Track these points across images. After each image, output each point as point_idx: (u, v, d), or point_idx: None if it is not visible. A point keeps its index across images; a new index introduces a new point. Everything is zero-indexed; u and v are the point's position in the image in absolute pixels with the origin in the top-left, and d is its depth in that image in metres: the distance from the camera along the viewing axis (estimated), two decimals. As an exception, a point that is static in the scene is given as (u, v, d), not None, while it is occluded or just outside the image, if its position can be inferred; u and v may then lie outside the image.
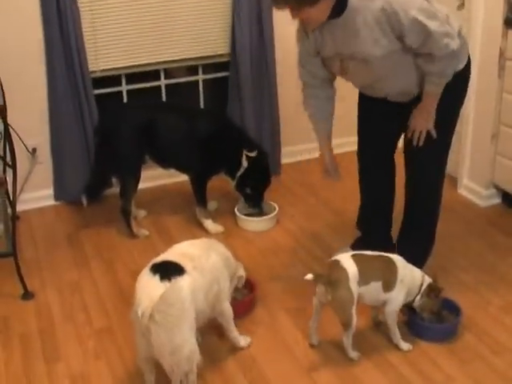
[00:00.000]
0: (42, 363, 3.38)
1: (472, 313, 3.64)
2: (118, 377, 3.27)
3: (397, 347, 3.41)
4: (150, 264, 3.08)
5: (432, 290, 3.41)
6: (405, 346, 3.42)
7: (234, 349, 3.43)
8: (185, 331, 2.85)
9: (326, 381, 3.22)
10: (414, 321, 3.49)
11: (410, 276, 3.37)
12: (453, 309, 3.54)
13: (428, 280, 3.43)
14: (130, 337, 3.51)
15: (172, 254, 3.22)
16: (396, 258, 3.40)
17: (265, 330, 3.59)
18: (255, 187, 4.64)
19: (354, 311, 3.22)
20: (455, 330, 3.51)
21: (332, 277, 3.21)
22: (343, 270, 3.21)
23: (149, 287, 2.91)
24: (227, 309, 3.33)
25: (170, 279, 2.89)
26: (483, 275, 4.00)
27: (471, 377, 3.22)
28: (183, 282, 2.92)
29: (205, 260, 3.19)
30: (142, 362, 3.04)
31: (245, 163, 4.51)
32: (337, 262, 3.27)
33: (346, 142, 5.58)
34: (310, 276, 3.19)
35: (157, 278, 2.92)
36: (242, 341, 3.44)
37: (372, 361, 3.34)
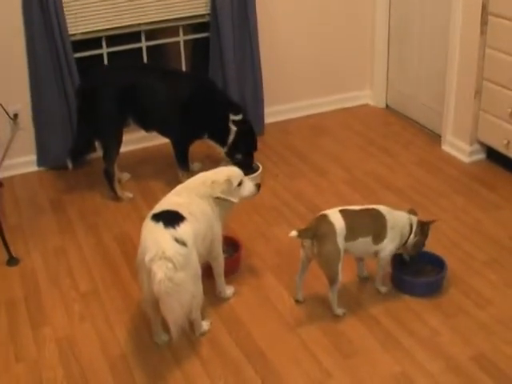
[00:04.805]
0: (28, 328, 3.37)
1: (456, 268, 3.67)
2: (104, 339, 3.28)
3: (380, 299, 3.45)
4: (150, 214, 3.16)
5: (423, 226, 3.45)
6: (383, 289, 3.48)
7: (220, 309, 3.45)
8: (187, 276, 2.96)
9: (311, 337, 3.24)
10: (399, 276, 3.52)
11: (396, 220, 3.38)
12: (437, 263, 3.56)
13: (413, 218, 3.45)
14: (116, 299, 3.54)
15: (166, 204, 3.28)
16: (381, 207, 3.41)
17: (250, 289, 3.60)
18: (246, 151, 4.62)
19: (340, 266, 3.23)
20: (440, 284, 3.53)
21: (319, 231, 3.21)
22: (331, 225, 3.21)
23: (154, 234, 3.03)
24: (221, 255, 3.45)
25: (173, 226, 3.02)
26: (468, 230, 4.02)
27: (456, 331, 3.25)
28: (186, 228, 3.06)
29: (195, 207, 3.26)
30: (147, 304, 3.12)
31: (233, 128, 4.48)
32: (324, 216, 3.26)
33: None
34: (294, 233, 3.19)
35: (161, 225, 3.03)
36: (228, 290, 3.54)
37: (358, 317, 3.36)
